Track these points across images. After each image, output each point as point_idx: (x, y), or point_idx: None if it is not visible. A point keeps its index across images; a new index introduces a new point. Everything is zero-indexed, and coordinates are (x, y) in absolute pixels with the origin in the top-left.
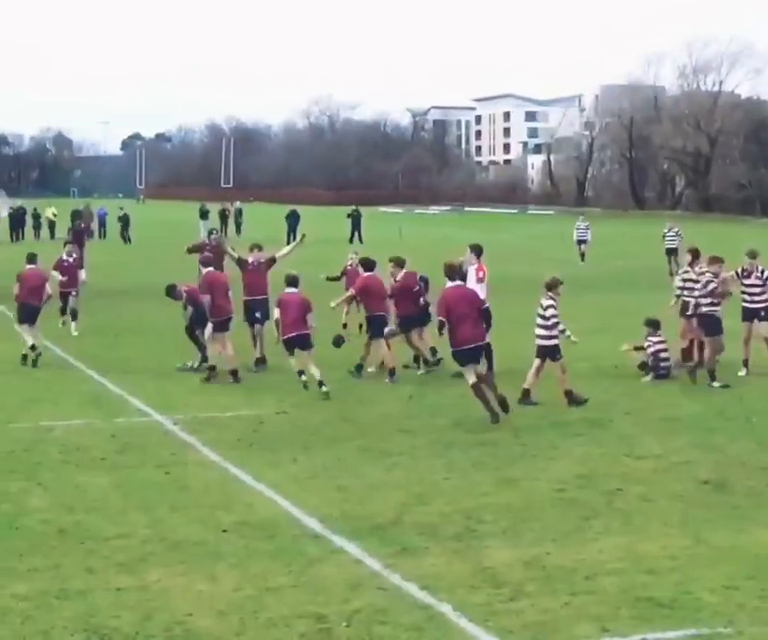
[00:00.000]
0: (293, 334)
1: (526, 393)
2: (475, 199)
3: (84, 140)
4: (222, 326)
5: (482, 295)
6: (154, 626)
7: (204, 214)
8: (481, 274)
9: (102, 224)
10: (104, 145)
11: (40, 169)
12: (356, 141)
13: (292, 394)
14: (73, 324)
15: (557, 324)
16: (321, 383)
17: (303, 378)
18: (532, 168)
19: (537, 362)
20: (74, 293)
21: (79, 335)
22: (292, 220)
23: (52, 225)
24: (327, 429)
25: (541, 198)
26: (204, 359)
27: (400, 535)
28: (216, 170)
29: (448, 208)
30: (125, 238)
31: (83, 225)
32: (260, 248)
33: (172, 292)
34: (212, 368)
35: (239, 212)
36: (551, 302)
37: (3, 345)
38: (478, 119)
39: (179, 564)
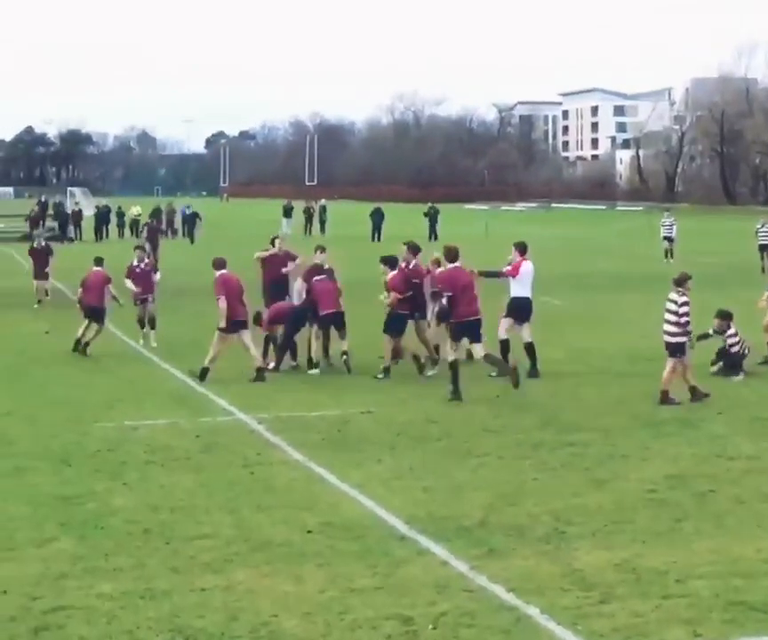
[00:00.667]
0: (330, 311)
1: (665, 394)
2: (562, 195)
3: (167, 138)
4: (232, 328)
5: (517, 290)
6: (239, 627)
7: (287, 212)
8: (513, 271)
9: (185, 222)
10: (188, 143)
11: (124, 168)
12: (442, 137)
13: (376, 393)
14: (152, 333)
15: (689, 322)
16: (344, 353)
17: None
18: (621, 163)
19: (670, 361)
20: (151, 300)
21: (162, 333)
22: (377, 217)
23: (135, 223)
24: (412, 429)
25: (630, 194)
26: (279, 360)
27: (487, 536)
28: (300, 167)
29: (535, 205)
30: (192, 238)
31: (155, 222)
32: (322, 250)
33: (257, 319)
34: (206, 370)
35: (323, 210)
36: (685, 299)
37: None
38: (565, 114)
39: (264, 564)
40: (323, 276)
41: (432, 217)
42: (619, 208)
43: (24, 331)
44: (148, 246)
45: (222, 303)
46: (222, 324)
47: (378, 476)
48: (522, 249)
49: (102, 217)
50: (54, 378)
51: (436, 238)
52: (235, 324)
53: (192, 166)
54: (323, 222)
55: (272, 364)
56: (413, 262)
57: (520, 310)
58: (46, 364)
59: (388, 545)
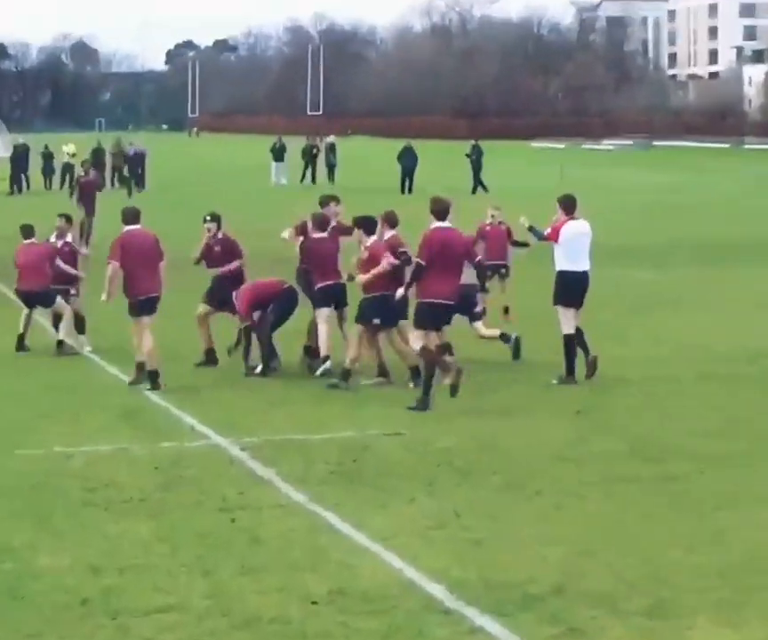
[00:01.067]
0: (330, 283)
1: None
2: (667, 129)
3: (114, 51)
4: (139, 309)
5: (561, 262)
6: None
7: (279, 153)
8: (553, 234)
9: (140, 168)
10: (142, 58)
11: (53, 92)
12: (498, 49)
13: (407, 406)
14: (82, 338)
15: None
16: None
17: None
18: (750, 84)
19: None
20: (73, 293)
21: (107, 327)
22: (407, 160)
23: (69, 169)
24: (458, 457)
25: (763, 127)
26: (266, 364)
27: (564, 609)
28: (299, 91)
29: (629, 142)
30: (136, 185)
31: (93, 173)
32: (337, 201)
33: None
34: (154, 373)
35: (331, 150)
36: None
37: (4, 338)
38: (672, 15)
39: None
40: (323, 235)
41: (475, 161)
42: (747, 146)
43: None
44: (81, 210)
45: (110, 269)
46: (104, 297)
47: (410, 524)
48: (567, 204)
49: (21, 160)
50: None
51: (484, 188)
52: (144, 304)
53: (148, 89)
54: (331, 167)
55: (259, 368)
56: (389, 234)
57: (567, 290)
58: None
59: (425, 622)
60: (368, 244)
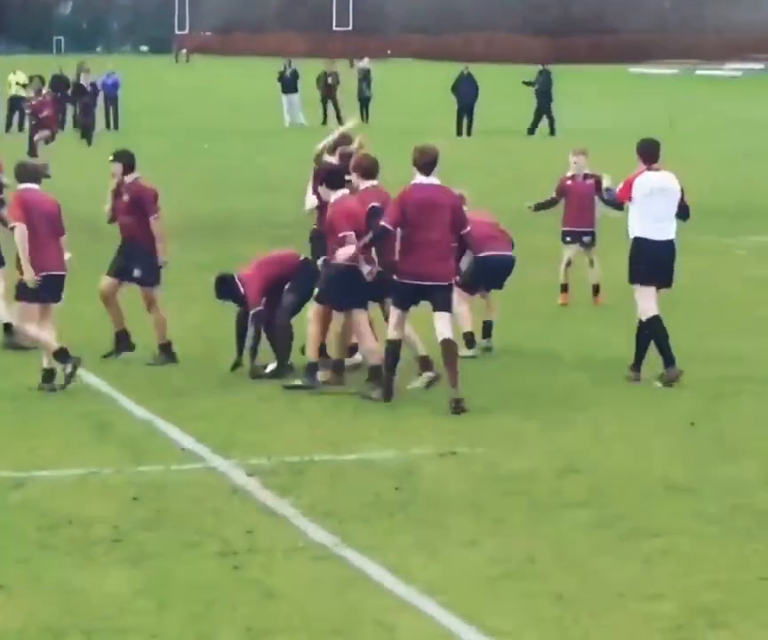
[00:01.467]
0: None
1: None
2: None
3: None
4: (45, 290)
5: (635, 227)
6: None
7: (287, 83)
8: (625, 190)
9: (111, 102)
10: None
11: None
12: None
13: (462, 420)
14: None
15: None
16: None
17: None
18: None
19: None
20: None
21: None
22: (466, 89)
23: (17, 105)
24: (534, 486)
25: None
26: (282, 362)
27: None
28: (323, 1)
29: (760, 66)
30: (107, 126)
31: (51, 102)
32: (348, 140)
33: (225, 290)
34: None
35: (365, 79)
36: None
37: None
38: None
39: None
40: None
41: (541, 92)
42: None
43: None
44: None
45: (18, 232)
46: (27, 276)
47: (469, 574)
48: (646, 151)
49: None
50: None
51: (550, 127)
52: (49, 285)
53: (122, 1)
54: (364, 101)
55: (271, 367)
56: (364, 185)
57: (645, 263)
58: None
59: None
60: (332, 200)
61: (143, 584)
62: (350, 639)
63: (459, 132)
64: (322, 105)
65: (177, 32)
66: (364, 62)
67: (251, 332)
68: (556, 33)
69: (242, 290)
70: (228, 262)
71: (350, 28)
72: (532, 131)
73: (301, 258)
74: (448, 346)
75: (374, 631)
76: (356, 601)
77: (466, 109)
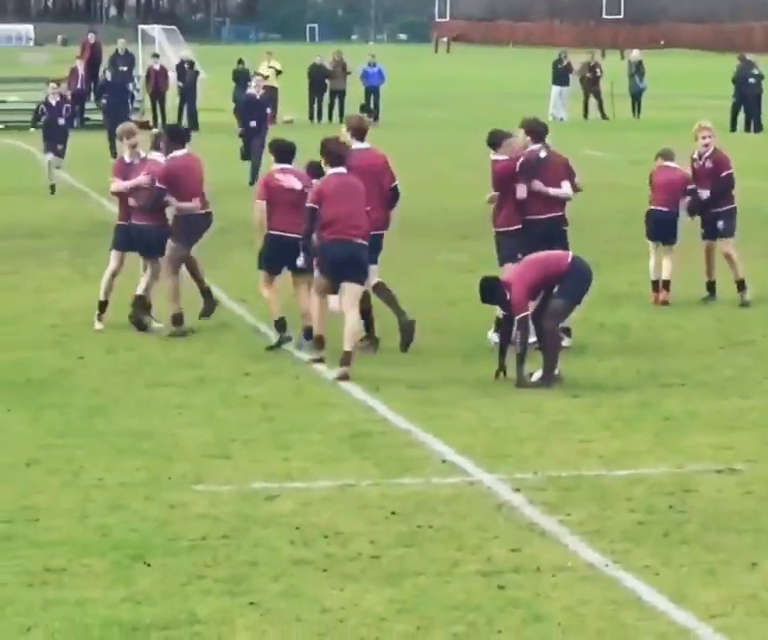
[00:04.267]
0: None
1: None
2: None
3: None
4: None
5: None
6: None
7: (560, 75)
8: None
9: (373, 92)
10: None
11: None
12: None
13: (743, 433)
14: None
15: None
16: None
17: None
18: None
19: None
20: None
21: None
22: (745, 82)
23: (269, 98)
24: None
25: None
26: (550, 369)
27: None
28: None
29: None
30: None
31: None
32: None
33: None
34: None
35: (637, 71)
36: None
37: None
38: None
39: None
40: None
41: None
42: None
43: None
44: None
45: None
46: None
47: (750, 599)
48: None
49: (187, 77)
50: (108, 390)
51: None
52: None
53: None
54: (636, 95)
55: (537, 376)
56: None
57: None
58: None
59: None
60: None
61: (402, 603)
62: None
63: (732, 128)
64: (584, 97)
65: (437, 19)
66: (636, 54)
67: (518, 338)
68: None
69: (507, 294)
70: (484, 264)
71: (621, 16)
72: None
73: (569, 258)
74: None
75: None
76: (628, 626)
77: (746, 102)
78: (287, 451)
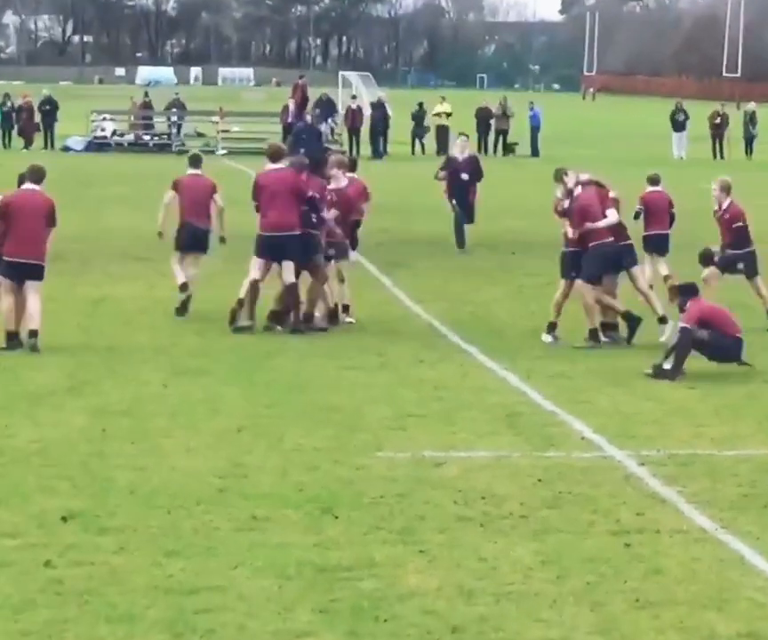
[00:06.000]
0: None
1: None
2: None
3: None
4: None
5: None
6: None
7: (678, 122)
8: None
9: (533, 131)
10: (534, 5)
11: (430, 42)
12: None
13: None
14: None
15: None
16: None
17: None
18: None
19: None
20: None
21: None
22: None
23: (442, 133)
24: None
25: None
26: (678, 367)
27: None
28: (714, 50)
29: None
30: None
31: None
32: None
33: None
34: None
35: (751, 120)
36: None
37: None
38: None
39: None
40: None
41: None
42: None
43: None
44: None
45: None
46: None
47: None
48: None
49: (378, 121)
50: (306, 370)
51: None
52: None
53: (539, 43)
54: (749, 140)
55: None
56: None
57: None
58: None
59: None
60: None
61: (545, 556)
62: (726, 613)
63: None
64: (711, 141)
65: (585, 72)
66: (751, 105)
67: (679, 341)
68: None
69: (688, 304)
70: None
71: (738, 74)
72: None
73: (740, 333)
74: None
75: (748, 607)
76: (732, 580)
77: None
78: (453, 426)
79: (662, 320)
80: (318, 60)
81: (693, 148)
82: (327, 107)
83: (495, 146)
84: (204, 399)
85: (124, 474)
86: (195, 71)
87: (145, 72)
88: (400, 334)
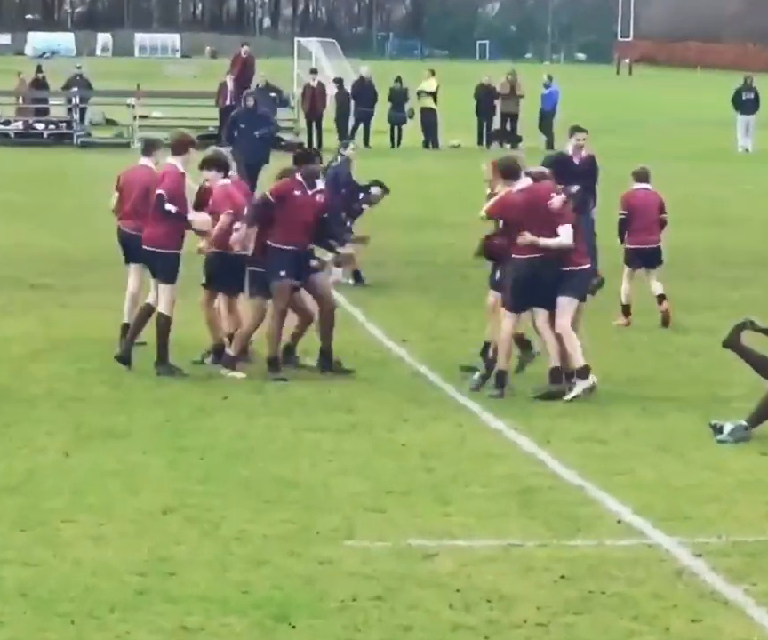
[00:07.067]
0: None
1: None
2: None
3: None
4: None
5: None
6: None
7: (745, 102)
8: None
9: (546, 116)
10: None
11: (414, 1)
12: None
13: None
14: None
15: None
16: None
17: None
18: None
19: None
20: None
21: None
22: None
23: (429, 116)
24: None
25: None
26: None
27: None
28: None
29: None
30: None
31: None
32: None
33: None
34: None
35: None
36: None
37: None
38: None
39: None
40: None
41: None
42: None
43: None
44: None
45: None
46: None
47: None
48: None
49: (361, 98)
50: (254, 432)
51: None
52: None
53: (556, 2)
54: None
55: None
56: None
57: None
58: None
59: None
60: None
61: None
62: None
63: None
64: None
65: (619, 39)
66: None
67: None
68: None
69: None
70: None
71: None
72: None
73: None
74: None
75: None
76: None
77: None
78: (447, 505)
79: (580, 373)
80: (267, 22)
81: (764, 137)
82: (264, 100)
83: (500, 136)
84: (119, 471)
85: (13, 571)
86: (103, 38)
87: (37, 39)
88: (376, 384)
